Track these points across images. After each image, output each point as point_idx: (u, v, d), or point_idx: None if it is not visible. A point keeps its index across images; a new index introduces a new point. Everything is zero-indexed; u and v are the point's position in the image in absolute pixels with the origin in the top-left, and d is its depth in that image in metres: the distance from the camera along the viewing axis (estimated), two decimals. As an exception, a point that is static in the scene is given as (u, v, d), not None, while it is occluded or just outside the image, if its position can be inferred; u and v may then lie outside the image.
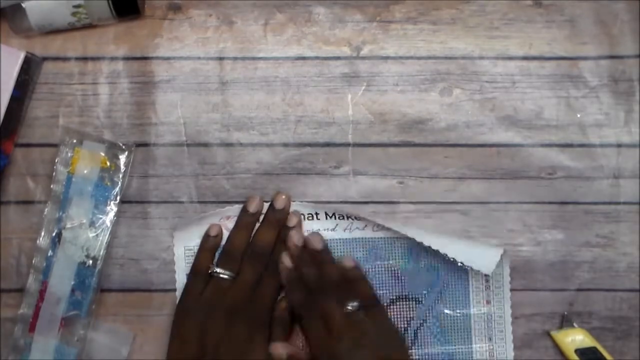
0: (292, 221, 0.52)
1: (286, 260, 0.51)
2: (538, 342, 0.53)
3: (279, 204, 0.52)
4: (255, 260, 0.51)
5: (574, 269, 0.53)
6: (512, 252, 0.53)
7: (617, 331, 0.53)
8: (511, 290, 0.53)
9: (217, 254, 0.52)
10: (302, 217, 0.53)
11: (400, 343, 0.51)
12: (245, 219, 0.52)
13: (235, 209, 0.52)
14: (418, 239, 0.50)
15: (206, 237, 0.52)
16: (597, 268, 0.53)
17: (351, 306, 0.49)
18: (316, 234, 0.52)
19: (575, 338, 0.52)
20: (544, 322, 0.53)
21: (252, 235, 0.52)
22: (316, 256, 0.51)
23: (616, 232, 0.53)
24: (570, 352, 0.51)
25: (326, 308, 0.49)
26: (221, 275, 0.50)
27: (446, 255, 0.50)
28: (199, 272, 0.51)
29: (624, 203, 0.54)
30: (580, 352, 0.51)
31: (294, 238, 0.51)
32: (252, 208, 0.52)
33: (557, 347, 0.52)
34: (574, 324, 0.52)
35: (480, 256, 0.50)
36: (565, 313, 0.53)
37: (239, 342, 0.48)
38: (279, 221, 0.52)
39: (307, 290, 0.50)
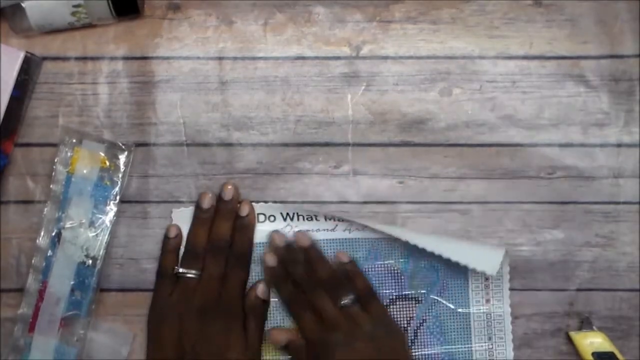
0: (243, 210, 0.52)
1: (270, 260, 0.51)
2: (538, 342, 0.53)
3: (227, 195, 0.52)
4: (216, 254, 0.51)
5: (574, 269, 0.53)
6: (512, 252, 0.53)
7: (617, 331, 0.53)
8: (511, 290, 0.53)
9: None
10: (302, 217, 0.53)
11: (397, 335, 0.51)
12: (200, 216, 0.52)
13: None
14: (418, 244, 0.50)
15: (166, 239, 0.52)
16: (597, 268, 0.53)
17: (347, 300, 0.49)
18: (302, 232, 0.52)
19: (593, 341, 0.52)
20: (544, 322, 0.53)
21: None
22: (306, 253, 0.51)
23: (616, 232, 0.53)
24: (587, 354, 0.51)
25: (319, 302, 0.49)
26: (187, 275, 0.50)
27: (449, 259, 0.50)
28: (164, 274, 0.51)
29: (624, 203, 0.53)
30: (598, 355, 0.51)
31: (277, 239, 0.51)
32: (206, 204, 0.52)
33: (574, 347, 0.52)
34: (594, 327, 0.52)
35: (482, 257, 0.50)
36: (586, 315, 0.53)
37: (215, 338, 0.48)
38: (231, 212, 0.52)
39: (295, 287, 0.50)
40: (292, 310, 0.51)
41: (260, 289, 0.51)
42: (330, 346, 0.48)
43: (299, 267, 0.51)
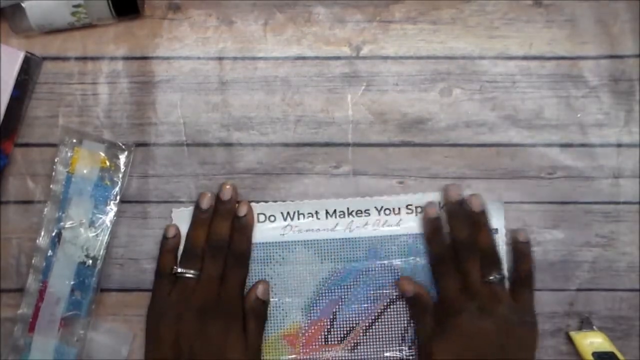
0: (242, 210, 0.51)
1: (431, 211, 0.51)
2: (538, 342, 0.53)
3: (226, 195, 0.51)
4: (215, 254, 0.51)
5: (574, 269, 0.53)
6: (512, 252, 0.53)
7: (617, 331, 0.53)
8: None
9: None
10: (303, 215, 0.53)
11: (532, 329, 0.50)
12: (199, 216, 0.52)
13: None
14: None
15: (164, 239, 0.52)
16: (597, 268, 0.53)
17: (495, 276, 0.49)
18: (478, 195, 0.51)
19: (594, 341, 0.52)
20: (544, 322, 0.53)
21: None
22: (472, 217, 0.50)
23: (616, 232, 0.53)
24: (587, 354, 0.51)
25: (469, 267, 0.49)
26: (185, 275, 0.50)
27: None
28: (163, 274, 0.51)
29: (624, 203, 0.53)
30: (598, 355, 0.51)
31: (453, 193, 0.51)
32: (205, 204, 0.52)
33: (574, 347, 0.52)
34: (594, 327, 0.52)
35: None
36: (587, 315, 0.53)
37: (214, 339, 0.48)
38: (229, 212, 0.51)
39: (448, 245, 0.50)
40: (438, 268, 0.50)
41: (260, 290, 0.51)
42: (462, 314, 0.47)
43: (465, 228, 0.50)
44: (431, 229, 0.51)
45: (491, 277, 0.49)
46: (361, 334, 0.52)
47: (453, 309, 0.49)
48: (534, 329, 0.51)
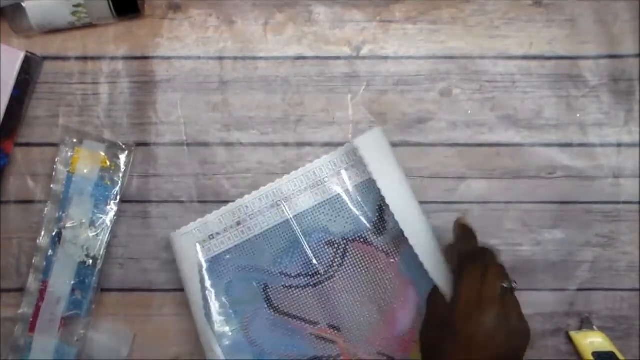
0: None
1: (464, 219, 0.49)
2: (538, 342, 0.53)
3: None
4: None
5: (574, 269, 0.53)
6: (512, 252, 0.53)
7: (618, 330, 0.53)
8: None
9: None
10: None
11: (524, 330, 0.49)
12: None
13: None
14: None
15: None
16: (597, 268, 0.53)
17: (507, 283, 0.47)
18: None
19: (594, 341, 0.52)
20: (544, 322, 0.53)
21: None
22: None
23: (616, 232, 0.53)
24: (587, 353, 0.51)
25: (492, 267, 0.47)
26: None
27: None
28: None
29: (624, 203, 0.54)
30: (598, 355, 0.51)
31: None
32: None
33: (574, 347, 0.53)
34: (594, 327, 0.52)
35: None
36: (587, 315, 0.53)
37: None
38: None
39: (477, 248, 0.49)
40: (466, 265, 0.48)
41: None
42: (483, 316, 0.46)
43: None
44: (463, 229, 0.50)
45: (505, 284, 0.49)
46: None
47: (475, 300, 0.48)
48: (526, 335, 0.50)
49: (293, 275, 0.52)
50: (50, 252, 0.51)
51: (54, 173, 0.52)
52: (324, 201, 0.52)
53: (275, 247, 0.52)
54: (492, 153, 0.54)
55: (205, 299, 0.51)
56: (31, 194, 0.53)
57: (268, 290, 0.52)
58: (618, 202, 0.54)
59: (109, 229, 0.52)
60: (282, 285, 0.52)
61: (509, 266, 0.52)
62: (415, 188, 0.53)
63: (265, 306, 0.52)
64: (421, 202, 0.53)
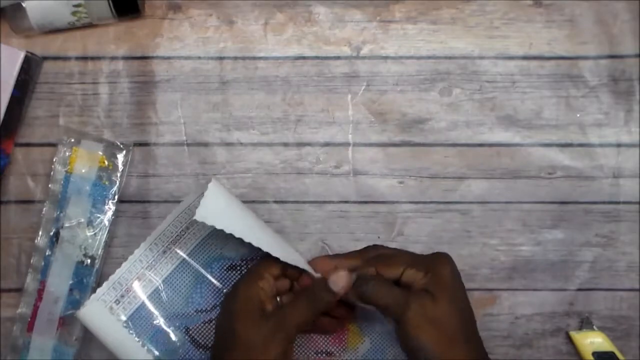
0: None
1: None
2: (538, 342, 0.53)
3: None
4: None
5: (574, 269, 0.53)
6: (512, 252, 0.53)
7: (617, 331, 0.53)
8: (511, 290, 0.53)
9: None
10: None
11: None
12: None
13: None
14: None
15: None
16: (597, 268, 0.53)
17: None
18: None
19: (594, 340, 0.52)
20: (544, 322, 0.53)
21: None
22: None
23: (616, 232, 0.53)
24: (587, 354, 0.51)
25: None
26: None
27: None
28: None
29: (624, 202, 0.53)
30: (598, 355, 0.51)
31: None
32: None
33: (574, 347, 0.53)
34: (594, 327, 0.52)
35: None
36: (587, 315, 0.53)
37: None
38: None
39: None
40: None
41: None
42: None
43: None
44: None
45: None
46: None
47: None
48: None
49: (209, 308, 0.51)
50: (48, 252, 0.51)
51: (52, 173, 0.52)
52: (208, 234, 0.51)
53: (182, 288, 0.51)
54: (492, 153, 0.54)
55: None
56: (31, 194, 0.53)
57: (190, 332, 0.51)
58: (618, 202, 0.54)
59: (107, 229, 0.52)
60: (202, 322, 0.51)
61: (509, 266, 0.53)
62: (415, 188, 0.54)
63: (193, 348, 0.51)
64: (421, 202, 0.54)
